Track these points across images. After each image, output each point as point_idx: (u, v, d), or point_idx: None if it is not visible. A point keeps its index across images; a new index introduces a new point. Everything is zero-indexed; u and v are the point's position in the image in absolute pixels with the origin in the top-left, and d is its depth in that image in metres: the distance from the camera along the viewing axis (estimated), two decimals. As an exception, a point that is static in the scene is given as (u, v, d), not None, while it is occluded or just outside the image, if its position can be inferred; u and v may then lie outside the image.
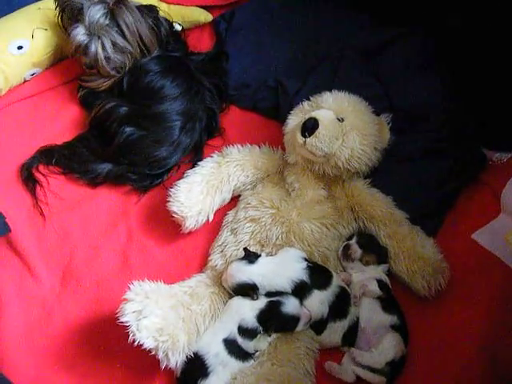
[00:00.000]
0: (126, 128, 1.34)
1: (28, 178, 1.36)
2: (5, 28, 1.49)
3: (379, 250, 1.21)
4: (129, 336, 0.99)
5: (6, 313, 1.18)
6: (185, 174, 1.28)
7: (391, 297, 1.17)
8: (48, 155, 1.39)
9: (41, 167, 1.38)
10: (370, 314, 1.15)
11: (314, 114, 1.19)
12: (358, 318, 1.15)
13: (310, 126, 1.17)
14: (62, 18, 1.43)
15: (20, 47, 1.46)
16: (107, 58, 1.38)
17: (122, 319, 1.00)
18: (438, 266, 1.16)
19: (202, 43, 1.65)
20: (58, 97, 1.52)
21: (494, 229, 1.30)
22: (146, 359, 1.03)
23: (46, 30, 1.49)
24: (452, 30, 1.45)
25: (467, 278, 1.22)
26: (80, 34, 1.36)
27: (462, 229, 1.29)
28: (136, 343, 0.98)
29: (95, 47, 1.36)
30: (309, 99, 1.30)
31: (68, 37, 1.39)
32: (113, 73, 1.42)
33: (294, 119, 1.27)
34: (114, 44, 1.37)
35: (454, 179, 1.33)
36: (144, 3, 1.45)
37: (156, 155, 1.33)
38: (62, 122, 1.47)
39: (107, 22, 1.36)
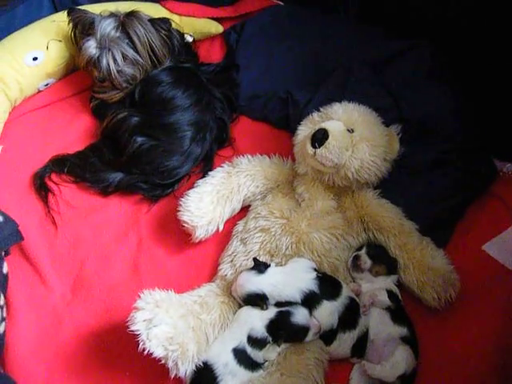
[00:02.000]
0: (137, 138, 1.35)
1: (40, 186, 1.38)
2: (21, 40, 1.52)
3: (389, 261, 1.20)
4: (139, 344, 0.99)
5: (18, 319, 1.19)
6: (195, 184, 1.28)
7: (401, 308, 1.17)
8: (60, 164, 1.41)
9: (53, 176, 1.40)
10: (379, 325, 1.14)
11: (324, 125, 1.20)
12: (367, 329, 1.14)
13: (320, 137, 1.18)
14: (74, 33, 1.45)
15: (35, 58, 1.49)
16: (119, 71, 1.40)
17: (132, 328, 1.00)
18: (448, 277, 1.16)
19: (213, 54, 1.67)
20: (71, 107, 1.54)
21: (504, 240, 1.29)
22: (155, 368, 1.03)
23: (60, 41, 1.52)
24: (462, 41, 1.45)
25: (478, 290, 1.21)
26: (91, 47, 1.38)
27: (473, 240, 1.29)
28: (146, 352, 0.98)
29: (106, 60, 1.38)
30: (319, 110, 1.30)
31: (80, 50, 1.41)
32: (124, 85, 1.43)
33: (304, 130, 1.28)
34: (125, 56, 1.39)
35: (464, 190, 1.33)
36: (155, 16, 1.47)
37: (167, 165, 1.35)
38: (74, 131, 1.49)
39: (118, 34, 1.38)
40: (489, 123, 1.41)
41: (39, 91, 1.56)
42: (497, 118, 1.41)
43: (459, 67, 1.47)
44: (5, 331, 1.15)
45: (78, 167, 1.40)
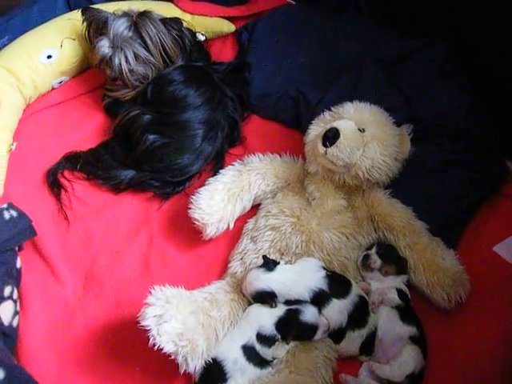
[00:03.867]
0: (149, 136, 1.36)
1: (53, 183, 1.39)
2: (35, 38, 1.53)
3: (399, 261, 1.20)
4: (149, 340, 1.00)
5: (31, 313, 1.20)
6: (206, 182, 1.29)
7: (410, 307, 1.16)
8: (73, 161, 1.42)
9: (66, 173, 1.41)
10: (388, 324, 1.14)
11: (335, 124, 1.20)
12: (376, 328, 1.14)
13: (331, 136, 1.18)
14: (88, 32, 1.47)
15: (49, 56, 1.51)
16: (130, 71, 1.41)
17: (142, 323, 1.01)
18: (458, 277, 1.15)
19: (225, 53, 1.67)
20: (84, 104, 1.56)
21: (516, 241, 1.29)
22: (165, 364, 1.04)
23: (74, 40, 1.54)
24: (475, 40, 1.45)
25: (488, 292, 1.20)
26: (104, 46, 1.39)
27: (483, 241, 1.28)
28: (156, 347, 0.99)
29: (118, 60, 1.39)
30: (330, 109, 1.30)
31: (93, 49, 1.42)
32: (136, 84, 1.44)
33: (315, 129, 1.27)
34: (137, 56, 1.40)
35: (475, 191, 1.32)
36: (168, 15, 1.48)
37: (178, 163, 1.35)
38: (87, 128, 1.51)
39: (131, 34, 1.39)
40: (501, 123, 1.40)
41: (53, 89, 1.58)
42: (509, 117, 1.40)
43: (472, 67, 1.46)
44: (18, 324, 1.17)
45: (90, 164, 1.42)
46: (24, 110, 1.53)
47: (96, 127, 1.51)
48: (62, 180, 1.40)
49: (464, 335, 1.17)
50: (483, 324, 1.17)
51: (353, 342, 1.13)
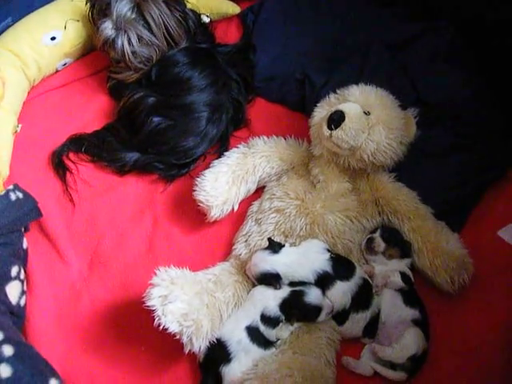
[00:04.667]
0: (153, 118, 1.36)
1: (58, 164, 1.39)
2: (39, 20, 1.52)
3: (403, 244, 1.20)
4: (154, 320, 1.01)
5: (37, 293, 1.21)
6: (211, 164, 1.29)
7: (413, 291, 1.17)
8: (78, 143, 1.42)
9: (71, 155, 1.41)
10: (391, 307, 1.15)
11: (340, 107, 1.19)
12: (379, 311, 1.15)
13: (336, 119, 1.17)
14: (92, 14, 1.45)
15: (53, 38, 1.50)
16: (133, 53, 1.40)
17: (148, 303, 1.02)
18: (462, 261, 1.15)
19: (230, 35, 1.66)
20: (88, 87, 1.55)
21: (520, 226, 1.28)
22: (170, 344, 1.05)
23: (78, 21, 1.53)
24: (482, 23, 1.43)
25: (491, 276, 1.21)
26: (107, 28, 1.38)
27: (488, 225, 1.28)
28: (161, 327, 1.00)
29: (121, 42, 1.38)
30: (335, 92, 1.29)
31: (96, 31, 1.41)
32: (140, 66, 1.43)
33: (321, 112, 1.26)
34: (140, 38, 1.39)
35: (481, 175, 1.32)
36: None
37: (183, 145, 1.35)
38: (91, 111, 1.50)
39: (134, 15, 1.38)
40: (508, 108, 1.38)
41: (57, 71, 1.57)
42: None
43: (479, 50, 1.44)
44: (25, 304, 1.18)
45: (95, 146, 1.42)
46: (28, 93, 1.52)
47: (100, 109, 1.51)
48: (67, 162, 1.40)
49: (467, 319, 1.17)
50: (486, 308, 1.17)
51: (356, 324, 1.14)
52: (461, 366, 1.11)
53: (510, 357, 1.09)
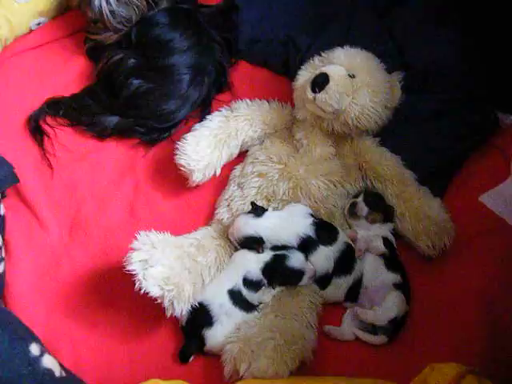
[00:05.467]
0: (133, 80, 1.32)
1: (35, 129, 1.36)
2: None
3: (385, 209, 1.21)
4: (135, 285, 1.00)
5: (16, 260, 1.19)
6: (193, 128, 1.27)
7: (395, 255, 1.18)
8: (55, 107, 1.38)
9: (48, 119, 1.37)
10: (373, 271, 1.16)
11: (324, 70, 1.17)
12: (361, 275, 1.16)
13: (320, 82, 1.15)
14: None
15: (25, -6, 1.44)
16: (112, 12, 1.35)
17: (128, 268, 1.01)
18: (443, 225, 1.17)
19: (212, -4, 1.61)
20: (65, 48, 1.50)
21: (501, 192, 1.29)
22: (152, 308, 1.05)
23: (52, -23, 1.46)
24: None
25: (472, 240, 1.22)
26: (84, -15, 1.33)
27: (470, 191, 1.29)
28: (142, 292, 1.00)
29: (99, 1, 1.32)
30: (320, 55, 1.27)
31: (73, -10, 1.36)
32: (119, 27, 1.38)
33: (305, 75, 1.25)
34: (118, -3, 1.34)
35: (464, 140, 1.32)
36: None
37: (164, 108, 1.32)
38: (68, 73, 1.46)
39: (111, -28, 1.32)
40: (493, 74, 1.38)
41: (31, 31, 1.51)
42: (502, 68, 1.38)
43: (466, 14, 1.42)
44: (4, 271, 1.17)
45: (73, 110, 1.38)
46: (0, 53, 1.46)
47: (78, 72, 1.46)
48: (45, 126, 1.37)
49: (447, 283, 1.19)
50: (467, 273, 1.19)
51: (338, 288, 1.14)
52: (439, 328, 1.13)
53: (487, 319, 1.12)
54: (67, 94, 1.40)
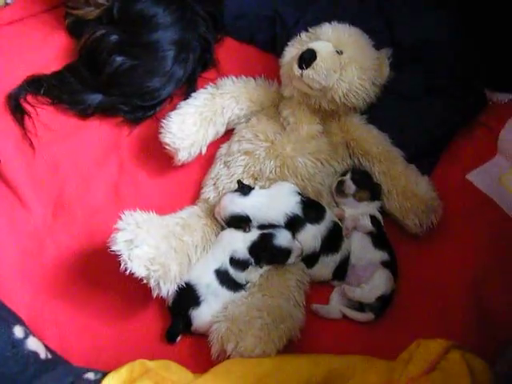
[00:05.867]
0: (116, 57, 1.29)
1: (16, 108, 1.32)
2: None
3: (373, 187, 1.20)
4: (120, 265, 0.99)
5: (-1, 241, 1.18)
6: (178, 106, 1.25)
7: (382, 233, 1.18)
8: (36, 85, 1.35)
9: (29, 97, 1.34)
10: (360, 250, 1.16)
11: (311, 46, 1.16)
12: (349, 253, 1.16)
13: (307, 58, 1.14)
14: None
15: (-2, -36, 1.39)
16: (92, -15, 1.31)
17: (113, 248, 1.00)
18: (430, 203, 1.16)
19: (197, -31, 1.57)
20: (45, 24, 1.45)
21: (489, 170, 1.30)
22: (138, 289, 1.04)
23: None
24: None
25: (460, 218, 1.22)
26: (62, -44, 1.29)
27: (458, 169, 1.29)
28: (128, 272, 0.99)
29: (79, -27, 1.29)
30: (307, 31, 1.25)
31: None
32: (100, 1, 1.35)
33: (292, 51, 1.23)
34: (99, -31, 1.30)
35: (452, 118, 1.32)
36: None
37: (148, 86, 1.30)
38: (49, 50, 1.42)
39: None
40: (482, 52, 1.36)
41: (7, 4, 1.46)
42: (490, 46, 1.37)
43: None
44: (-15, 252, 1.15)
45: (54, 88, 1.35)
46: (-25, 29, 1.42)
47: (59, 49, 1.42)
48: (25, 105, 1.33)
49: (434, 260, 1.19)
50: (453, 251, 1.19)
51: (326, 266, 1.14)
52: (426, 307, 1.14)
53: (472, 295, 1.13)
54: (48, 72, 1.37)
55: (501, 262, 1.16)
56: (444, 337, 0.98)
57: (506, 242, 1.19)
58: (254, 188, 1.13)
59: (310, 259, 1.13)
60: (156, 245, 1.02)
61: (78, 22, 1.40)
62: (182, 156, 1.20)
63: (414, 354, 0.96)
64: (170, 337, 1.08)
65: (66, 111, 1.34)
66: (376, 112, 1.26)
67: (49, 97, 1.35)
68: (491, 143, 1.32)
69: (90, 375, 0.95)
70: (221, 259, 1.08)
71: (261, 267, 1.11)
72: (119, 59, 1.29)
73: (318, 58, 1.13)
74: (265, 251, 1.09)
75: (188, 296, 1.07)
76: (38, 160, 1.28)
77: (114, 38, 1.31)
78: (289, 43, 1.26)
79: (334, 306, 1.13)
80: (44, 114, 1.33)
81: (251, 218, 1.09)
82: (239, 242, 1.09)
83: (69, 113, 1.34)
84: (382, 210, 1.20)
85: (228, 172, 1.19)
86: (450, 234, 1.20)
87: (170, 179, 1.27)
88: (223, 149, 1.25)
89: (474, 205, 1.25)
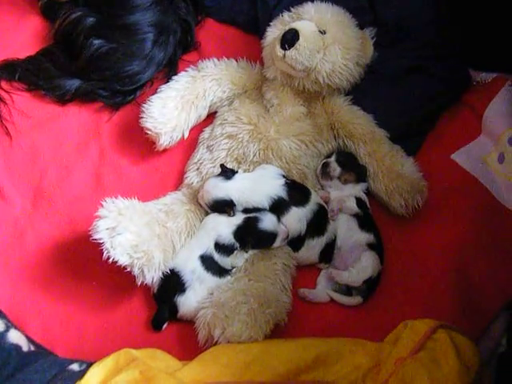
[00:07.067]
0: (94, 40, 1.26)
1: (-11, 94, 1.28)
2: None
3: (358, 169, 1.20)
4: (103, 253, 0.97)
5: (-23, 232, 1.15)
6: (158, 90, 1.23)
7: (368, 215, 1.18)
8: (10, 70, 1.31)
9: (3, 83, 1.30)
10: (347, 232, 1.15)
11: (294, 25, 1.14)
12: (335, 236, 1.15)
13: (289, 38, 1.12)
14: None
15: None
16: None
17: (95, 236, 0.98)
18: (416, 184, 1.16)
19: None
20: (16, 6, 1.41)
21: (473, 150, 1.30)
22: (122, 277, 1.03)
23: None
24: None
25: (445, 198, 1.22)
26: None
27: (442, 149, 1.29)
28: (111, 260, 0.97)
29: (51, -50, 1.25)
30: (290, 10, 1.23)
31: None
32: (76, -20, 1.31)
33: (274, 31, 1.21)
34: None
35: (436, 99, 1.31)
36: None
37: (127, 70, 1.27)
38: (22, 34, 1.37)
39: None
40: (466, 31, 1.36)
41: (-23, -13, 1.42)
42: (474, 26, 1.36)
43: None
44: (-36, 245, 1.12)
45: (30, 73, 1.31)
46: None
47: (33, 32, 1.38)
48: (0, 91, 1.29)
49: (420, 241, 1.19)
50: (438, 230, 1.19)
51: (312, 249, 1.14)
52: (412, 288, 1.14)
53: (457, 276, 1.13)
54: (22, 57, 1.33)
55: (486, 240, 1.17)
56: (431, 317, 0.99)
57: (490, 220, 1.19)
58: (237, 172, 1.11)
59: (295, 242, 1.12)
60: (139, 232, 1.00)
61: (51, 4, 1.36)
62: (164, 141, 1.18)
63: (402, 335, 0.97)
64: (156, 324, 1.07)
65: (43, 97, 1.31)
66: (360, 93, 1.25)
67: (24, 82, 1.31)
68: (475, 123, 1.32)
69: (75, 366, 0.94)
70: (205, 245, 1.07)
71: (246, 252, 1.10)
72: (97, 42, 1.26)
73: (300, 38, 1.12)
74: (250, 235, 1.07)
75: (173, 283, 1.06)
76: (16, 148, 1.25)
77: (90, 20, 1.28)
78: (271, 24, 1.24)
79: (321, 289, 1.13)
80: (20, 101, 1.29)
81: (235, 202, 1.08)
82: (224, 227, 1.07)
83: (46, 99, 1.31)
84: (368, 192, 1.20)
85: (211, 156, 1.18)
86: (436, 214, 1.21)
87: (153, 165, 1.25)
88: (206, 133, 1.24)
89: (459, 184, 1.25)
